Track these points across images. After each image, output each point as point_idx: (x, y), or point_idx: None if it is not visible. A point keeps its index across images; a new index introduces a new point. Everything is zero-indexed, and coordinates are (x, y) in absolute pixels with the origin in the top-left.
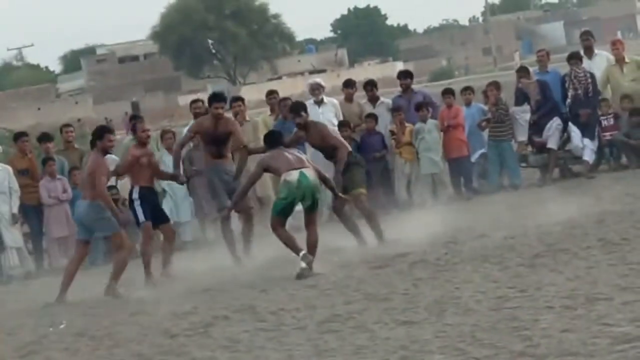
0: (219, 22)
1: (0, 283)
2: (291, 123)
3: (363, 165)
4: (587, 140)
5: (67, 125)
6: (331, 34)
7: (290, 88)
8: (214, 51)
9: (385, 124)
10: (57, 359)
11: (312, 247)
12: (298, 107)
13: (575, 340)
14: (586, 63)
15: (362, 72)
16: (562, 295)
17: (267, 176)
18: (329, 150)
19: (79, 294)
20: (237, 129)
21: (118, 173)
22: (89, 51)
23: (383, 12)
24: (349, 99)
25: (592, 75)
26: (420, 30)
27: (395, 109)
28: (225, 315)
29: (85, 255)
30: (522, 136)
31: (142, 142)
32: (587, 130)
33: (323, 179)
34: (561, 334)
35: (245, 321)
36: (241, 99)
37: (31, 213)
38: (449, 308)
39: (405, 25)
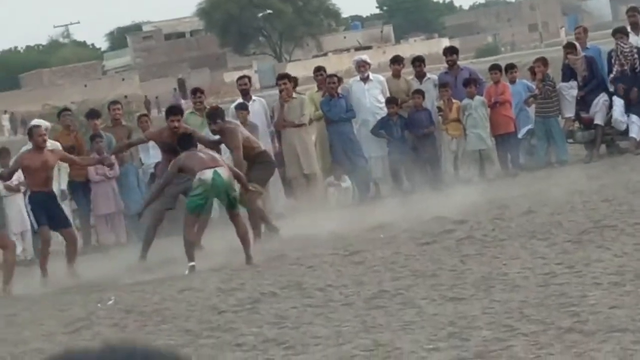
0: None
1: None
2: (338, 100)
3: (272, 164)
4: (635, 117)
5: (115, 102)
6: (377, 11)
7: (336, 65)
8: (261, 26)
9: (432, 100)
10: (106, 334)
11: (243, 238)
12: (213, 115)
13: (623, 317)
14: (633, 39)
15: (408, 49)
16: (609, 272)
17: (313, 152)
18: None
19: (125, 271)
20: (202, 136)
21: (3, 178)
22: (135, 28)
23: None
24: (396, 75)
25: (639, 51)
26: (466, 6)
27: (442, 85)
28: (273, 292)
29: None
30: (569, 112)
31: (38, 147)
32: (634, 107)
33: (236, 176)
34: (609, 310)
35: (293, 297)
36: (287, 77)
37: (79, 190)
38: (496, 284)
39: (451, 2)
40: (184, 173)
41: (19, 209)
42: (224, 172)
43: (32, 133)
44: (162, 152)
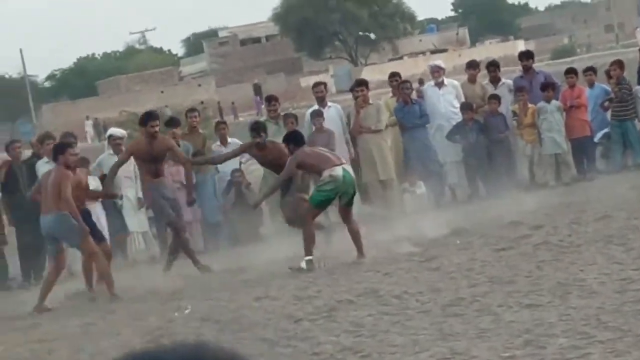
0: (340, 3)
1: (126, 267)
2: (413, 106)
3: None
4: None
5: (192, 110)
6: (452, 13)
7: (412, 68)
8: (337, 30)
9: (506, 105)
10: None
11: (355, 234)
12: (258, 128)
13: None
14: None
15: (483, 51)
16: None
17: (389, 158)
18: (281, 168)
19: (201, 278)
20: (174, 145)
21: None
22: (211, 34)
23: None
24: (471, 80)
25: None
26: (541, 7)
27: (518, 90)
28: (349, 299)
29: (64, 264)
30: None
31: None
32: None
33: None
34: None
35: (369, 305)
36: (364, 83)
37: None
38: (573, 290)
39: (526, 3)
40: (303, 170)
41: (97, 218)
42: (350, 170)
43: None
44: (141, 164)
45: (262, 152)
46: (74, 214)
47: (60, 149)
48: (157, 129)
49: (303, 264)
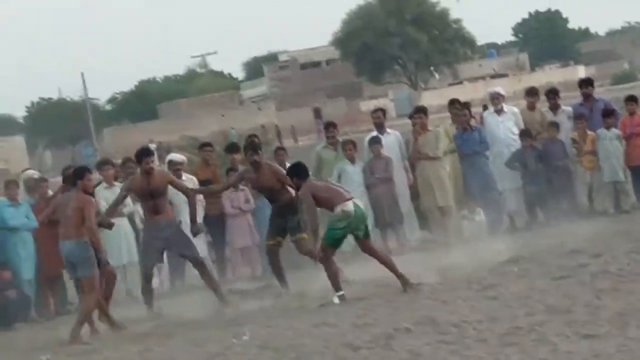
0: (401, 28)
1: (184, 292)
2: (472, 133)
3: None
4: None
5: (252, 135)
6: (512, 38)
7: (471, 93)
8: (397, 55)
9: (566, 132)
10: None
11: (388, 264)
12: (254, 145)
13: None
14: None
15: (543, 76)
16: None
17: (448, 185)
18: (275, 193)
19: (258, 304)
20: (173, 179)
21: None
22: (271, 58)
23: (564, 16)
24: (531, 107)
25: None
26: (601, 33)
27: (577, 117)
28: (407, 327)
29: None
30: None
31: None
32: None
33: None
34: None
35: (427, 333)
36: (423, 111)
37: (214, 223)
38: (631, 321)
39: (587, 28)
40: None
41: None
42: (360, 203)
43: (82, 177)
44: (141, 200)
45: (258, 173)
46: (96, 243)
47: (80, 174)
48: (152, 165)
49: (336, 299)
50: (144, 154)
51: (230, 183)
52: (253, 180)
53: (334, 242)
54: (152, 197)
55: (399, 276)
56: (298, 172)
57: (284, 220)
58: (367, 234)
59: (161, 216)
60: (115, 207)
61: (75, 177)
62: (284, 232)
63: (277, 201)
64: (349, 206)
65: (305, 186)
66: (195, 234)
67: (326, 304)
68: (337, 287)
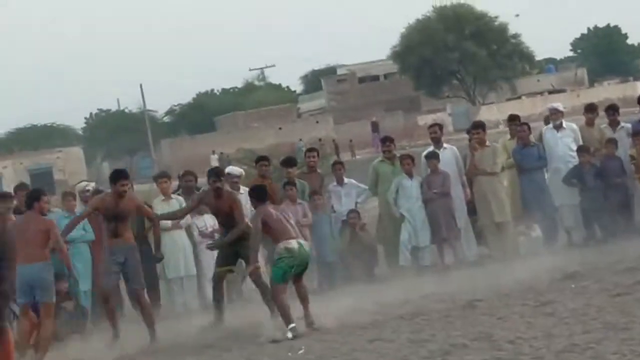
0: (459, 43)
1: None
2: (531, 149)
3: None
4: None
5: (312, 149)
6: (571, 53)
7: (529, 108)
8: (455, 69)
9: (625, 148)
10: None
11: (304, 299)
12: (218, 172)
13: None
14: None
15: (602, 92)
16: None
17: (505, 201)
18: (231, 220)
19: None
20: (141, 205)
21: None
22: (330, 71)
23: (623, 31)
24: (589, 123)
25: None
26: None
27: (635, 134)
28: (463, 343)
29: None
30: None
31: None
32: None
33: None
34: None
35: (483, 350)
36: (481, 126)
37: None
38: None
39: None
40: (263, 230)
41: (213, 256)
42: (305, 244)
43: (39, 199)
44: (104, 220)
45: (218, 200)
46: (68, 263)
47: (36, 196)
48: (126, 188)
49: (289, 334)
50: (120, 175)
51: (190, 207)
52: (212, 205)
53: (280, 278)
54: (115, 219)
55: (308, 314)
56: (257, 194)
57: (237, 248)
58: (302, 272)
59: (119, 240)
60: (74, 225)
61: (32, 199)
62: (236, 260)
63: (231, 228)
64: (292, 244)
65: (260, 210)
66: (156, 261)
67: (277, 338)
68: (288, 321)
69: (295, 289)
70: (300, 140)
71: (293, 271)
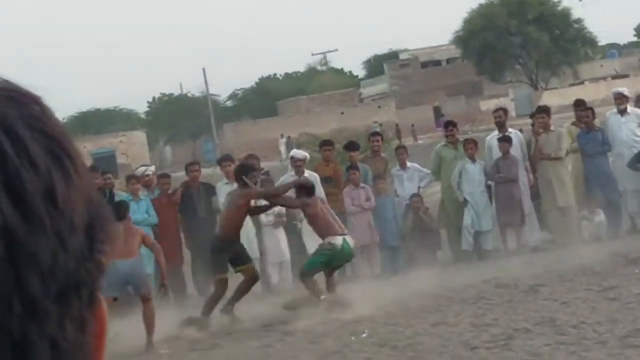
0: (522, 27)
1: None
2: (595, 134)
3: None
4: None
5: (375, 133)
6: (634, 39)
7: (592, 93)
8: (518, 54)
9: None
10: None
11: (332, 286)
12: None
13: None
14: None
15: None
16: None
17: (569, 186)
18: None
19: (378, 302)
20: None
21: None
22: (392, 56)
23: None
24: None
25: None
26: None
27: None
28: (526, 328)
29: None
30: None
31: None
32: None
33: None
34: None
35: (546, 334)
36: (546, 111)
37: None
38: None
39: None
40: (310, 219)
41: (277, 240)
42: (350, 241)
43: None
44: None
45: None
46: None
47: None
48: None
49: (323, 305)
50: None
51: (291, 183)
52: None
53: (314, 267)
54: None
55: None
56: (307, 191)
57: (230, 251)
58: (338, 267)
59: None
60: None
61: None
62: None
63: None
64: (337, 240)
65: (308, 201)
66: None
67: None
68: (319, 294)
69: (325, 276)
70: (375, 122)
71: (332, 264)
